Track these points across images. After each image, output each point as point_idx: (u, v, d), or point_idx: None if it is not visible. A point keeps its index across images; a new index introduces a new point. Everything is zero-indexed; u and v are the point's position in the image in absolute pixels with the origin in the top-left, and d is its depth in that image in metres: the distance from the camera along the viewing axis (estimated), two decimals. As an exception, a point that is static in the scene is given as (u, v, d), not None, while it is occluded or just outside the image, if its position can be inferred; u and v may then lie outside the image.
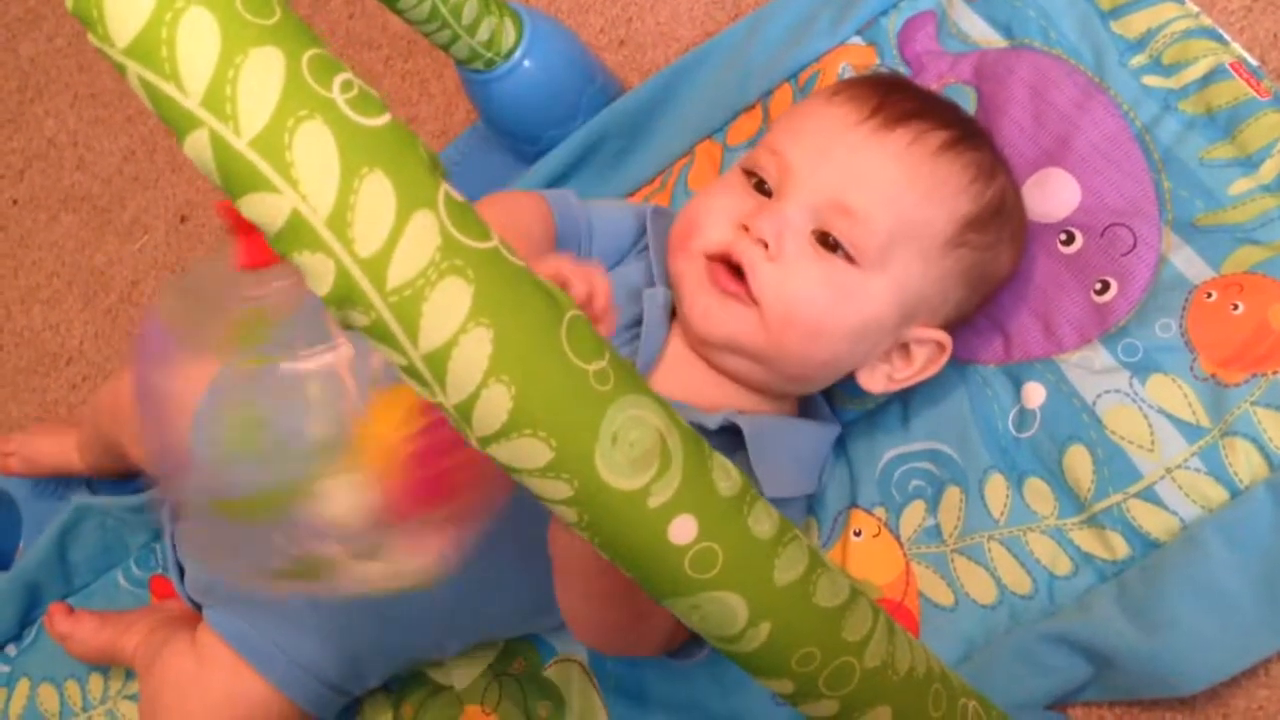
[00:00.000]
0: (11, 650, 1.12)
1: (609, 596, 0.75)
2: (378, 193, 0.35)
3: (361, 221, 0.35)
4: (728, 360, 0.88)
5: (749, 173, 0.89)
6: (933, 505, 0.91)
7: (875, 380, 0.89)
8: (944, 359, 0.89)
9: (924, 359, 0.89)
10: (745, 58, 1.10)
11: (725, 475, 0.42)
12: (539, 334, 0.38)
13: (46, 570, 1.12)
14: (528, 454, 0.38)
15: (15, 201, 1.39)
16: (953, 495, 0.90)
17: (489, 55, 1.05)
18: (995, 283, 0.91)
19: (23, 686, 1.10)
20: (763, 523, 0.43)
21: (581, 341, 0.39)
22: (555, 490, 0.40)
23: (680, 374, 0.89)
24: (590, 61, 1.14)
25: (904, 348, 0.89)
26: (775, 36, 1.10)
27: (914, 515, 0.92)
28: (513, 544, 0.77)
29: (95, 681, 1.09)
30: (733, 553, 0.42)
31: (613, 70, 1.20)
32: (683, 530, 0.41)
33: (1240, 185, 0.90)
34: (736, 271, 0.85)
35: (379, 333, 0.36)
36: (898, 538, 0.92)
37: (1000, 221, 0.89)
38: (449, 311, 0.36)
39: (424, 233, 0.35)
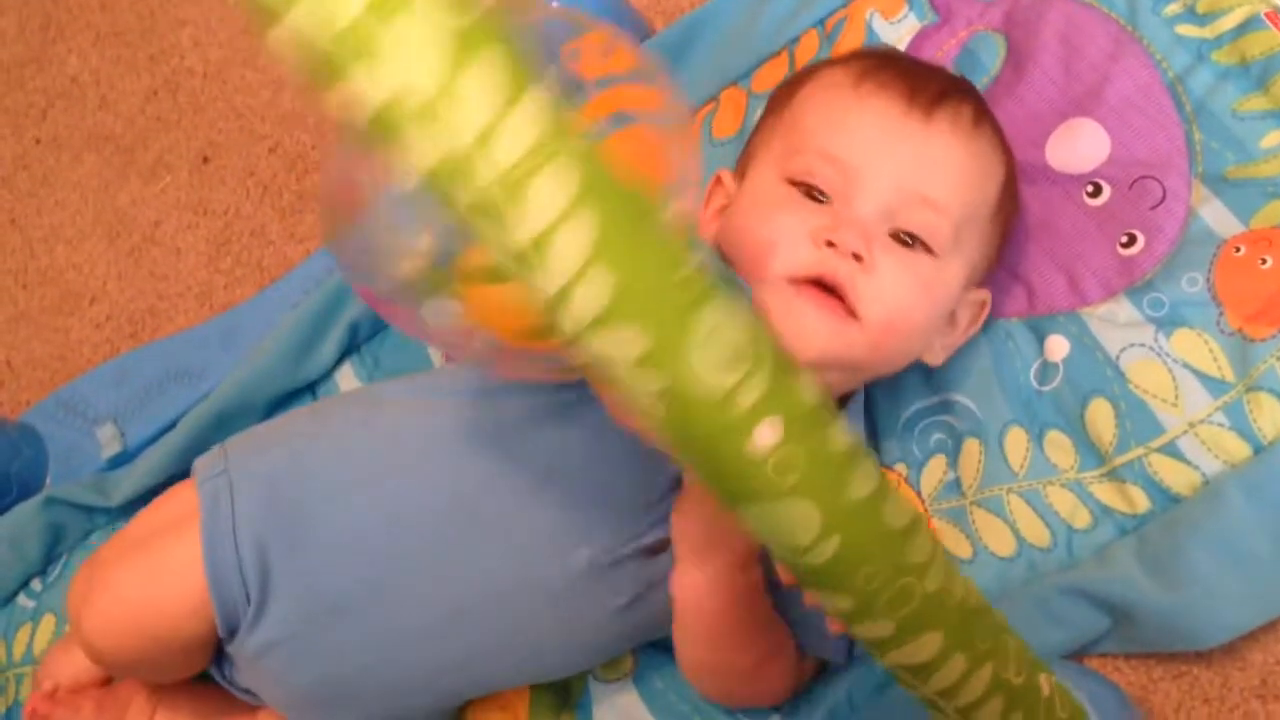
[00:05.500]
0: (37, 585, 1.11)
1: (733, 638, 0.75)
2: (488, 70, 0.34)
3: (471, 97, 0.34)
4: (819, 377, 0.86)
5: (796, 183, 0.84)
6: (952, 458, 0.91)
7: (935, 355, 0.89)
8: (984, 315, 0.90)
9: (968, 320, 0.89)
10: (771, 2, 1.09)
11: (808, 384, 0.42)
12: (642, 223, 0.37)
13: (71, 506, 1.11)
14: (624, 344, 0.38)
15: (38, 141, 1.38)
16: (972, 447, 0.90)
17: (518, -4, 1.04)
18: (1013, 229, 0.92)
19: (47, 622, 1.09)
20: (841, 435, 0.43)
21: (679, 236, 0.38)
22: (645, 382, 0.39)
23: None
24: (618, 1, 1.13)
25: (950, 314, 0.89)
26: (802, -20, 1.09)
27: (935, 471, 0.92)
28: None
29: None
30: (813, 461, 0.42)
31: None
32: (768, 433, 0.41)
33: (1272, 138, 0.89)
34: (827, 291, 0.81)
35: (483, 210, 0.36)
36: (919, 494, 0.92)
37: (1016, 172, 0.90)
38: (555, 194, 0.35)
39: (534, 113, 0.35)
